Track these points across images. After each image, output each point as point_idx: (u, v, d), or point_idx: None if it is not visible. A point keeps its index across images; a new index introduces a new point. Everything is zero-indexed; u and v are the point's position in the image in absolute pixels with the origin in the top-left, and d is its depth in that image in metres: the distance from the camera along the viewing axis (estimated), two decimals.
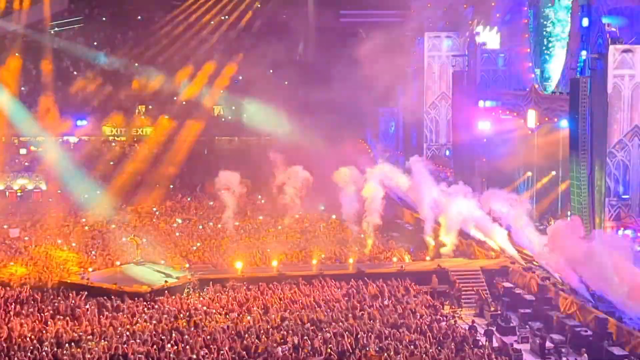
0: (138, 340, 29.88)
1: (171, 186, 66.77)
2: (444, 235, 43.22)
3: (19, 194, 65.08)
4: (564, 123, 39.44)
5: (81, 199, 58.24)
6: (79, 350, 28.96)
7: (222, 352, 28.84)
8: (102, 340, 30.11)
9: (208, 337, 30.39)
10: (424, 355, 28.75)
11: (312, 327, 31.54)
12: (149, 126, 75.18)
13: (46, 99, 74.06)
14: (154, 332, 30.93)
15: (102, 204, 57.07)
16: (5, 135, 70.43)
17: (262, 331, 31.19)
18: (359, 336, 30.51)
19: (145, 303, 35.07)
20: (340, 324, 32.06)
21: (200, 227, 52.20)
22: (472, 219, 41.52)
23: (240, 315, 33.48)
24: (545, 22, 43.84)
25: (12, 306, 34.24)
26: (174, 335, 30.66)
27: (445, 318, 34.30)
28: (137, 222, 52.88)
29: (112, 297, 35.40)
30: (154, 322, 32.26)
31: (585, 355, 30.38)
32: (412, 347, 29.47)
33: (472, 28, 50.61)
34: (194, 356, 28.65)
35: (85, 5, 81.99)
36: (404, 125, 60.00)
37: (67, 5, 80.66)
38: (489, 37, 49.28)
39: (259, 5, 78.89)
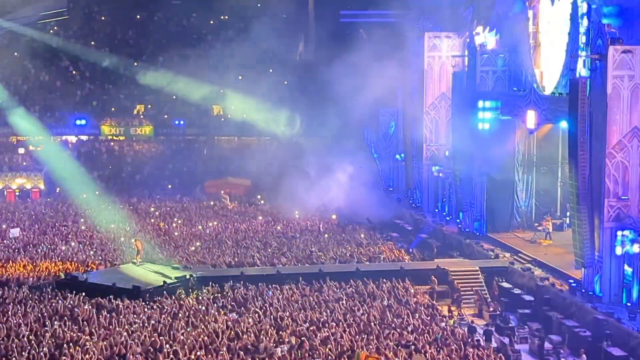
0: (136, 341, 29.85)
1: (170, 186, 66.76)
2: None
3: (17, 193, 65.10)
4: (564, 124, 39.38)
5: (80, 198, 58.20)
6: (77, 350, 28.92)
7: (220, 352, 28.82)
8: (101, 341, 30.07)
9: (207, 337, 30.35)
10: (422, 356, 28.73)
11: (311, 327, 31.52)
12: (148, 126, 75.18)
13: (45, 98, 74.14)
14: (152, 333, 30.89)
15: (101, 204, 57.08)
16: (4, 134, 70.52)
17: (261, 331, 31.16)
18: (357, 336, 30.49)
19: (144, 303, 35.04)
20: (340, 324, 32.05)
21: (200, 227, 52.15)
22: None
23: (239, 316, 33.44)
24: (544, 23, 43.78)
25: (11, 306, 34.23)
26: (172, 335, 30.63)
27: (444, 318, 34.31)
28: (136, 222, 52.80)
29: (111, 297, 35.37)
30: (153, 322, 32.20)
31: (584, 356, 30.43)
32: (411, 347, 29.45)
33: (471, 28, 50.47)
34: (192, 357, 28.62)
35: (84, 5, 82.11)
36: (404, 126, 59.98)
37: (67, 4, 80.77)
38: (489, 38, 49.24)
39: (259, 5, 78.94)
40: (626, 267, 34.56)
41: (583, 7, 36.85)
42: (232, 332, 31.02)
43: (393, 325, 32.01)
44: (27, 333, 30.64)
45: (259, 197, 62.70)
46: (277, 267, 41.14)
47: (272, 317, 33.04)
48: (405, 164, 60.02)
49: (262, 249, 45.63)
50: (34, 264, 41.86)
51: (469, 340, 31.09)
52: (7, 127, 69.37)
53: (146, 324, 31.92)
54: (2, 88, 70.61)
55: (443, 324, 32.81)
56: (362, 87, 60.51)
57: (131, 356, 28.63)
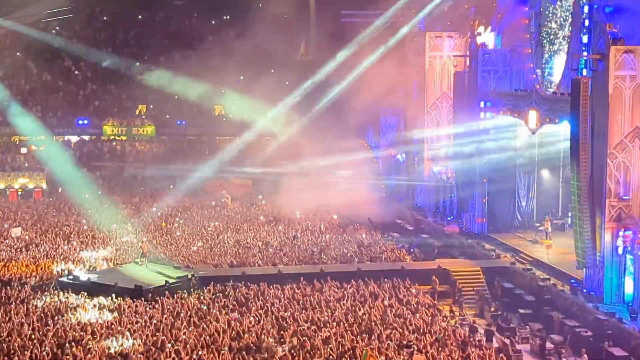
0: (138, 340, 29.91)
1: (171, 186, 66.77)
2: None
3: (20, 193, 65.19)
4: (565, 124, 39.42)
5: (82, 198, 58.25)
6: (79, 349, 28.99)
7: (222, 352, 28.87)
8: (103, 340, 30.14)
9: (208, 337, 30.41)
10: (424, 356, 28.76)
11: (312, 327, 31.56)
12: (150, 126, 75.22)
13: (47, 98, 74.20)
14: (154, 332, 30.94)
15: (103, 204, 57.10)
16: (6, 134, 70.62)
17: (262, 331, 31.21)
18: (359, 336, 30.52)
19: (145, 302, 35.10)
20: (341, 323, 32.09)
21: (202, 227, 52.11)
22: None
23: (241, 315, 33.49)
24: (546, 23, 43.84)
25: (13, 305, 34.30)
26: (174, 335, 30.69)
27: (445, 318, 34.33)
28: (138, 222, 52.81)
29: (113, 296, 35.43)
30: (155, 321, 32.27)
31: (585, 356, 30.41)
32: (412, 347, 29.47)
33: (473, 28, 50.56)
34: (194, 356, 28.67)
35: (87, 5, 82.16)
36: (405, 126, 60.08)
37: (69, 4, 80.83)
38: (490, 38, 49.31)
39: (261, 5, 78.95)
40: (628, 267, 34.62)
41: (585, 7, 36.87)
42: (234, 332, 31.08)
43: (394, 325, 32.03)
44: (29, 332, 30.72)
45: (260, 197, 62.70)
46: (279, 267, 41.19)
47: (273, 316, 33.09)
48: (407, 164, 60.05)
49: (263, 249, 45.67)
50: (36, 263, 41.92)
51: (471, 340, 31.12)
52: (9, 127, 69.43)
53: (148, 324, 31.99)
54: (4, 88, 70.66)
55: (444, 324, 32.83)
56: (363, 87, 60.57)
57: (133, 355, 28.69)
